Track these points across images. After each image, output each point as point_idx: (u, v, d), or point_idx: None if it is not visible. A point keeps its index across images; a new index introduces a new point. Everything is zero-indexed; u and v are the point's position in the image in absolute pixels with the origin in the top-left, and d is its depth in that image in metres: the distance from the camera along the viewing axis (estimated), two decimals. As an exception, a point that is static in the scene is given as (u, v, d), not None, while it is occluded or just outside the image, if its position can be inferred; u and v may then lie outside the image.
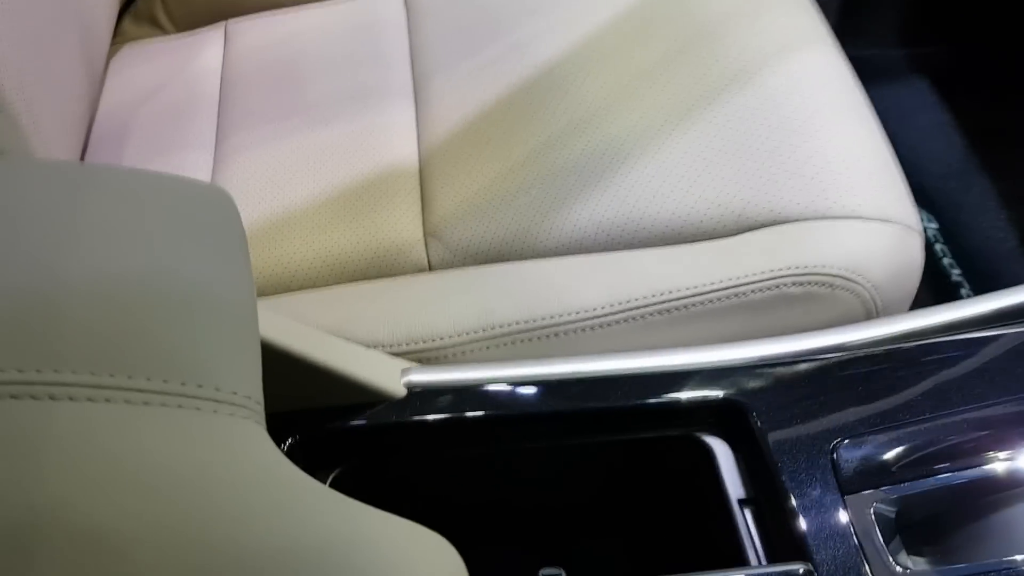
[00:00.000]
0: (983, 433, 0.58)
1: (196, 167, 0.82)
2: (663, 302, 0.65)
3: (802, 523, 0.54)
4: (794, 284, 0.65)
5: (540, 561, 0.57)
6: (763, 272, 0.65)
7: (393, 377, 0.60)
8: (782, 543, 0.55)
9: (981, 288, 1.02)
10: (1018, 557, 0.53)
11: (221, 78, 0.90)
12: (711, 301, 0.65)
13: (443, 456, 0.63)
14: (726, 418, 0.60)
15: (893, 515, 0.55)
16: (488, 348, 0.66)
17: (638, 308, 0.65)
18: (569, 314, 0.65)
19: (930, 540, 0.55)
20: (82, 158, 0.85)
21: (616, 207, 0.71)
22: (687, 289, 0.65)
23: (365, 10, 0.92)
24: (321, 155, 0.80)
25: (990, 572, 0.53)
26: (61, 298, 0.35)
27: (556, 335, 0.65)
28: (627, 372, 0.61)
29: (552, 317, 0.65)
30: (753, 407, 0.59)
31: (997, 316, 0.64)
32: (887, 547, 0.53)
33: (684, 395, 0.60)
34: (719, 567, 0.55)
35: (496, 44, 0.84)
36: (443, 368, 0.62)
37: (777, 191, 0.69)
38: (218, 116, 0.86)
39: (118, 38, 0.97)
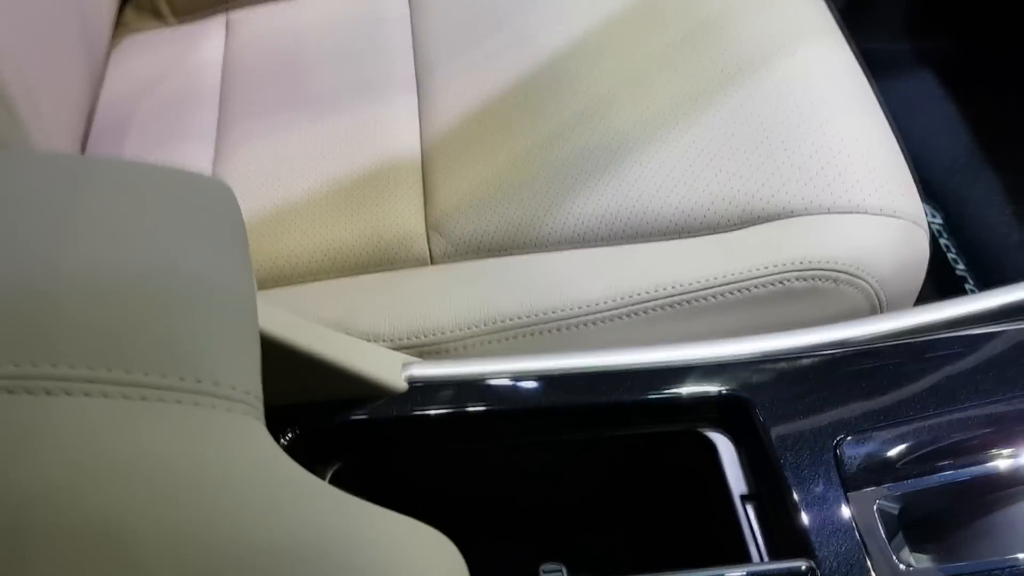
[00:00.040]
0: (988, 430, 0.57)
1: (197, 158, 0.82)
2: (666, 297, 0.65)
3: (805, 519, 0.54)
4: (799, 279, 0.65)
5: (541, 556, 0.57)
6: (767, 267, 0.65)
7: (394, 371, 0.59)
8: (784, 539, 0.55)
9: (985, 282, 1.02)
10: (1021, 555, 0.53)
11: (223, 69, 0.89)
12: (715, 296, 0.65)
13: (444, 450, 0.63)
14: (729, 413, 0.60)
15: (896, 512, 0.55)
16: (490, 342, 0.65)
17: (641, 303, 0.65)
18: (572, 308, 0.65)
19: (934, 537, 0.55)
20: (83, 149, 0.85)
21: (620, 200, 0.70)
22: (691, 284, 0.65)
23: (367, 1, 0.92)
24: (323, 147, 0.80)
25: (994, 570, 0.53)
26: (58, 291, 0.35)
27: (558, 329, 0.65)
28: (630, 367, 0.61)
29: (554, 311, 0.65)
30: (756, 402, 0.58)
31: (1003, 312, 0.63)
32: (890, 544, 0.53)
33: (687, 390, 0.60)
34: (721, 563, 0.55)
35: (500, 35, 0.84)
36: (444, 362, 0.62)
37: (782, 185, 0.69)
38: (219, 107, 0.86)
39: (119, 29, 0.97)
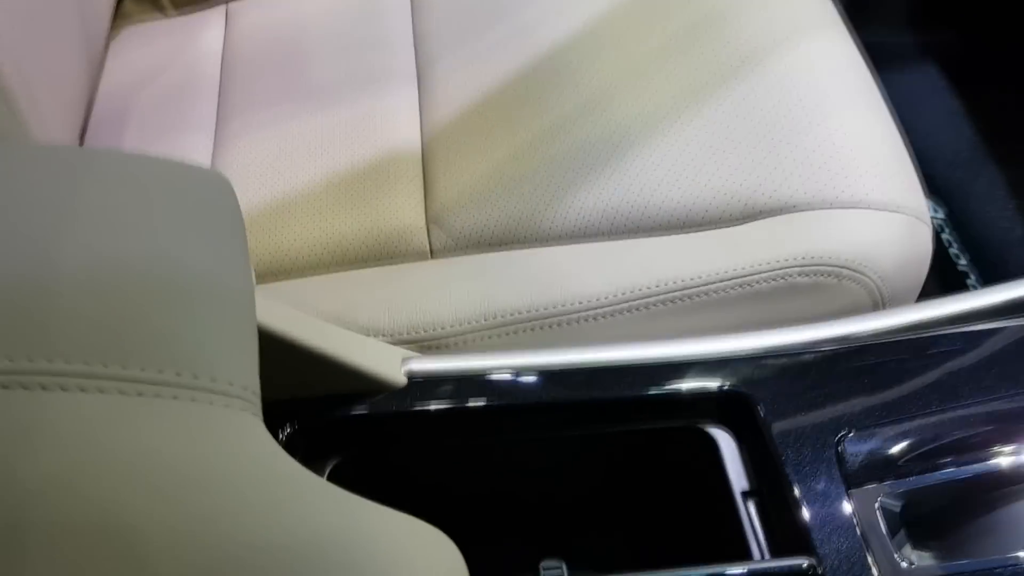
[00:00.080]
0: (990, 427, 0.57)
1: (196, 150, 0.82)
2: (668, 292, 0.65)
3: (806, 516, 0.54)
4: (801, 274, 0.65)
5: (541, 553, 0.56)
6: (770, 262, 0.65)
7: (394, 365, 0.59)
8: (785, 536, 0.55)
9: (988, 277, 1.01)
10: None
11: (222, 60, 0.89)
12: (716, 291, 0.65)
13: (443, 446, 0.62)
14: (730, 409, 0.59)
15: (898, 509, 0.54)
16: (490, 337, 0.65)
17: (642, 298, 0.65)
18: (572, 303, 0.65)
19: (936, 535, 0.55)
20: (81, 140, 0.84)
21: (621, 194, 0.70)
22: (692, 279, 0.65)
23: (368, -8, 0.91)
24: (323, 139, 0.79)
25: (996, 568, 0.52)
26: (54, 285, 0.34)
27: (559, 324, 0.65)
28: (630, 362, 0.60)
29: (555, 306, 0.65)
30: (758, 398, 0.58)
31: (1006, 308, 0.63)
32: (892, 541, 0.53)
33: (688, 386, 0.59)
34: (721, 560, 0.54)
35: (501, 27, 0.83)
36: (444, 357, 0.62)
37: (785, 179, 0.68)
38: (219, 99, 0.85)
39: (119, 20, 0.97)
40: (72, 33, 0.79)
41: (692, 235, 0.68)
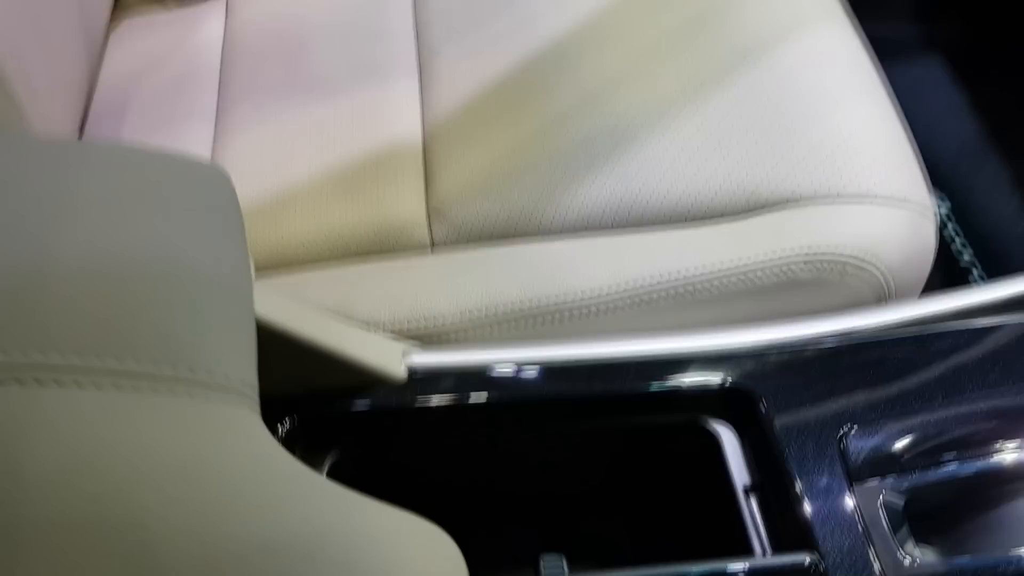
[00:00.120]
0: (994, 423, 0.57)
1: (196, 142, 0.81)
2: (670, 285, 0.64)
3: (808, 512, 0.53)
4: (804, 267, 0.64)
5: (542, 547, 0.56)
6: (773, 255, 0.64)
7: (394, 359, 0.59)
8: (788, 532, 0.55)
9: (992, 270, 1.01)
10: (1027, 549, 0.53)
11: (222, 51, 0.88)
12: (720, 284, 0.64)
13: (444, 440, 0.62)
14: (733, 404, 0.59)
15: (901, 505, 0.54)
16: (491, 330, 0.65)
17: (645, 291, 0.64)
18: (574, 296, 0.64)
19: (939, 530, 0.54)
20: (81, 131, 0.84)
21: (624, 186, 0.70)
22: (695, 272, 0.64)
23: (369, -17, 0.90)
24: (323, 130, 0.79)
25: (999, 564, 0.52)
26: (50, 278, 0.34)
27: (561, 317, 0.64)
28: (633, 356, 0.60)
29: (557, 299, 0.64)
30: (760, 393, 0.58)
31: (1012, 303, 0.62)
32: (895, 537, 0.53)
33: (690, 380, 0.59)
34: (723, 555, 0.54)
35: (503, 18, 0.83)
36: (445, 350, 0.61)
37: (789, 171, 0.68)
38: (219, 89, 0.85)
39: (118, 10, 0.96)
40: (72, 24, 0.79)
41: (695, 228, 0.68)
